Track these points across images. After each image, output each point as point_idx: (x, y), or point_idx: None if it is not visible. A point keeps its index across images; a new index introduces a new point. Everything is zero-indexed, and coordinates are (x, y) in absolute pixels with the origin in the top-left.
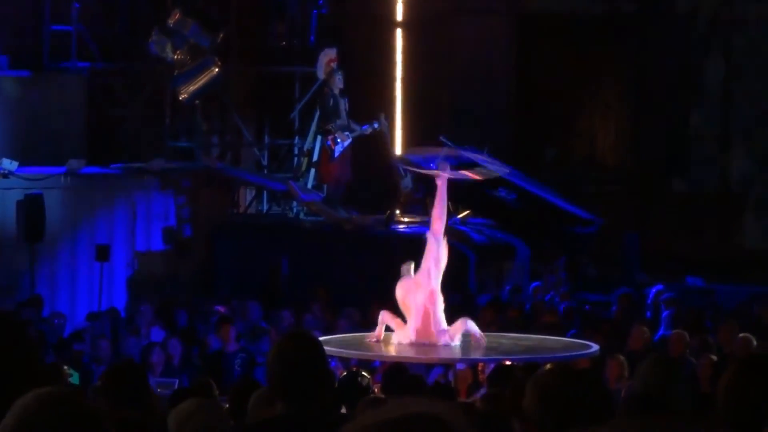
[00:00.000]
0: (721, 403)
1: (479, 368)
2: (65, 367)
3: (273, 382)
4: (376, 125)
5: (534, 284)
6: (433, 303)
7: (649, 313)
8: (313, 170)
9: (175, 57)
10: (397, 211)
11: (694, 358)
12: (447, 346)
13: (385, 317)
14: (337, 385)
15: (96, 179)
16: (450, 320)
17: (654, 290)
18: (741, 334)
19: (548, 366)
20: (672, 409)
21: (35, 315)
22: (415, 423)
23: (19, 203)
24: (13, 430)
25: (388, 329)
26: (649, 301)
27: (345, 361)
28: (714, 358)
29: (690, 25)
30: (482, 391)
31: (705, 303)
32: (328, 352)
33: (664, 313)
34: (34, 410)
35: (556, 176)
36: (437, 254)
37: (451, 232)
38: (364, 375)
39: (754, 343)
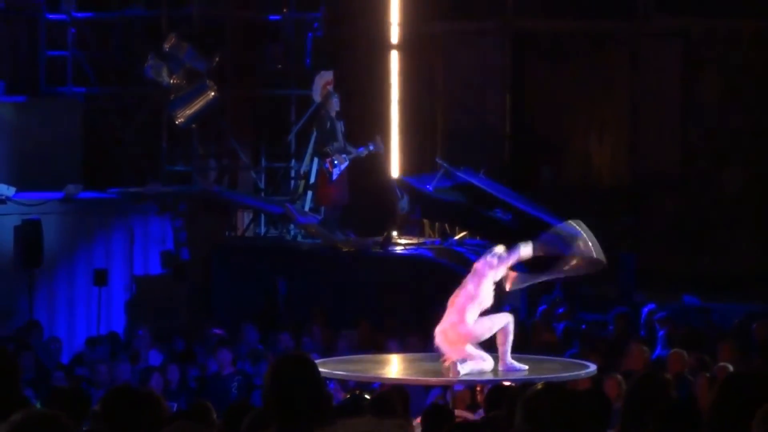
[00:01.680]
0: (706, 423)
1: (477, 389)
2: None
3: (268, 404)
4: (371, 147)
5: (541, 308)
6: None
7: (643, 332)
8: (310, 193)
9: (171, 81)
10: (394, 233)
11: (692, 377)
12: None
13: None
14: (338, 407)
15: (93, 204)
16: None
17: (647, 309)
18: (720, 364)
19: (538, 385)
20: (656, 427)
21: (35, 340)
22: None
23: (16, 228)
24: None
25: None
26: (642, 320)
27: (344, 383)
28: (710, 376)
29: (684, 42)
30: (480, 412)
31: (702, 321)
32: (325, 374)
33: (660, 333)
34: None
35: (551, 196)
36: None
37: (447, 254)
38: (365, 397)
39: (731, 368)
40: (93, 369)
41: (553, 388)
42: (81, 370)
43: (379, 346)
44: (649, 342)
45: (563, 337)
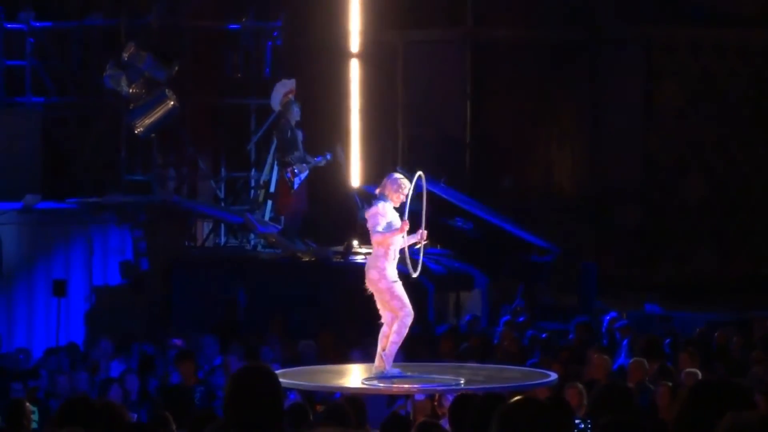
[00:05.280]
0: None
1: (435, 399)
2: (27, 404)
3: (229, 415)
4: (328, 156)
5: (504, 318)
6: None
7: (605, 341)
8: (270, 202)
9: (130, 90)
10: (355, 242)
11: (653, 386)
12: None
13: None
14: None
15: (52, 214)
16: (411, 351)
17: (608, 318)
18: (687, 369)
19: (515, 398)
20: None
21: None
22: None
23: None
24: None
25: None
26: (604, 329)
27: (304, 394)
28: (672, 385)
29: (645, 51)
30: (443, 422)
31: (664, 330)
32: (286, 385)
33: (624, 342)
34: None
35: (512, 205)
36: None
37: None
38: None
39: (700, 376)
40: (52, 380)
41: (531, 400)
42: (35, 382)
43: (341, 356)
44: (610, 350)
45: (528, 345)
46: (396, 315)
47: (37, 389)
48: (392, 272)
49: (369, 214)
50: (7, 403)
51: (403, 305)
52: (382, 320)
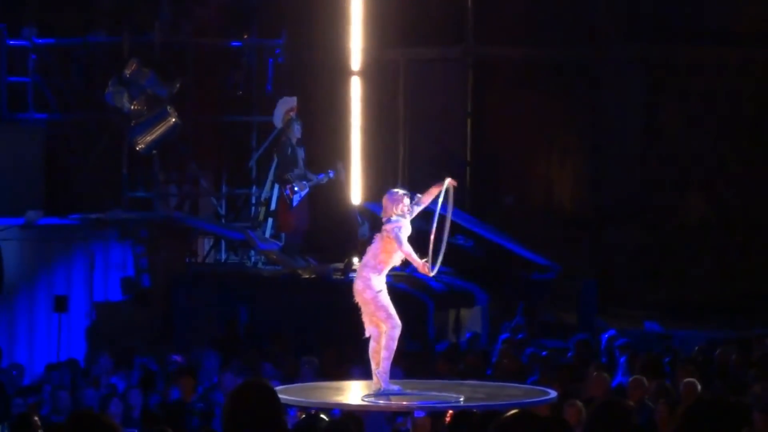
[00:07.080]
0: None
1: (448, 415)
2: (36, 418)
3: (228, 431)
4: (331, 174)
5: (503, 336)
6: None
7: (604, 359)
8: (270, 219)
9: (132, 107)
10: (355, 259)
11: (652, 404)
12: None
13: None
14: (294, 428)
15: (54, 230)
16: (411, 369)
17: (607, 336)
18: (686, 379)
19: (511, 412)
20: None
21: None
22: None
23: None
24: None
25: None
26: (602, 347)
27: (304, 410)
28: (671, 403)
29: (645, 70)
30: None
31: (663, 348)
32: (286, 401)
33: (621, 359)
34: None
35: (513, 222)
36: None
37: (408, 280)
38: (322, 418)
39: (699, 387)
40: (54, 396)
41: (525, 415)
42: (35, 398)
43: (342, 373)
44: (609, 368)
45: (527, 363)
46: (380, 328)
47: (39, 404)
48: (378, 282)
49: (390, 227)
50: (15, 419)
51: (389, 316)
52: (367, 334)
